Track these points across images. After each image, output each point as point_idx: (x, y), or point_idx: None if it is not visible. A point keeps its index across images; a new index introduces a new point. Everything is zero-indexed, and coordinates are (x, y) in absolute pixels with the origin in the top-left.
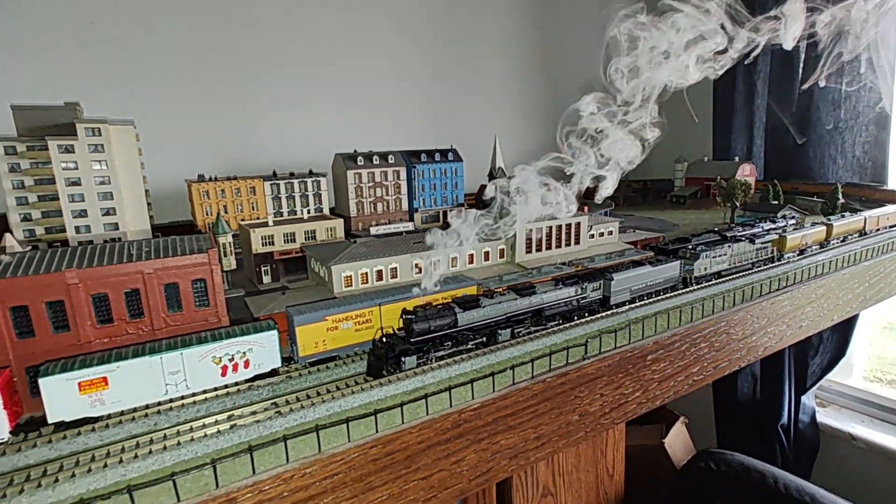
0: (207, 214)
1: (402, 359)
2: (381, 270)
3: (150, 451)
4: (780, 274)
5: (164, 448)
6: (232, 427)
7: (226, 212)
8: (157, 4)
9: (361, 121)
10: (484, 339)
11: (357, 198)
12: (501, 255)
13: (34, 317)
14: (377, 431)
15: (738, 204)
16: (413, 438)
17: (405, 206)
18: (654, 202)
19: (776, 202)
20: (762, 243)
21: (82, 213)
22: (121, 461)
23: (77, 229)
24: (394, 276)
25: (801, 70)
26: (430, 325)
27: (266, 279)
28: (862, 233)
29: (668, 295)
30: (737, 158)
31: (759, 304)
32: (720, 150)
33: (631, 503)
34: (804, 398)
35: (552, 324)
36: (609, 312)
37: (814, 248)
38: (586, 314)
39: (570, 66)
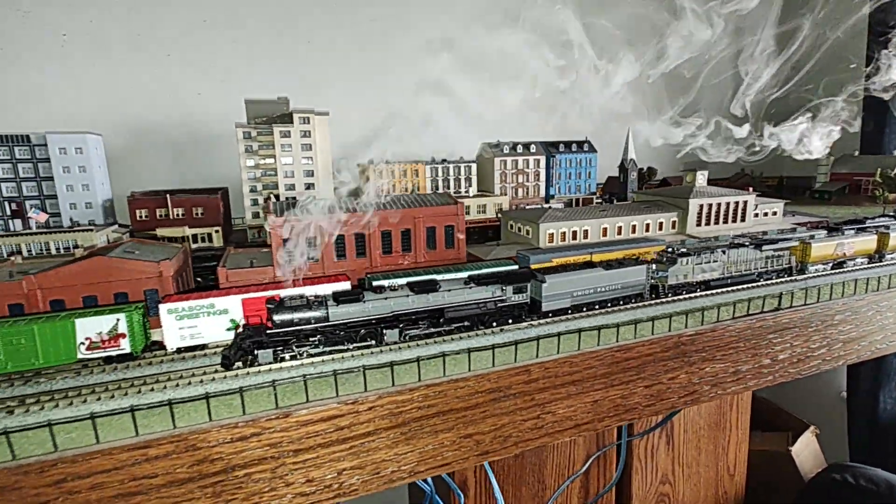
0: (380, 191)
1: (256, 351)
2: (575, 231)
3: None
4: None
5: None
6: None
7: (394, 189)
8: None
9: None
10: (371, 339)
11: (501, 183)
12: (673, 227)
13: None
14: (617, 340)
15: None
16: (644, 350)
17: (542, 192)
18: (792, 198)
19: None
20: (774, 250)
21: (291, 187)
22: None
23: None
24: (585, 237)
25: None
26: (293, 316)
27: None
28: None
29: (627, 307)
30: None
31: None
32: (870, 144)
33: None
34: None
35: (457, 326)
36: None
37: (859, 260)
38: (509, 321)
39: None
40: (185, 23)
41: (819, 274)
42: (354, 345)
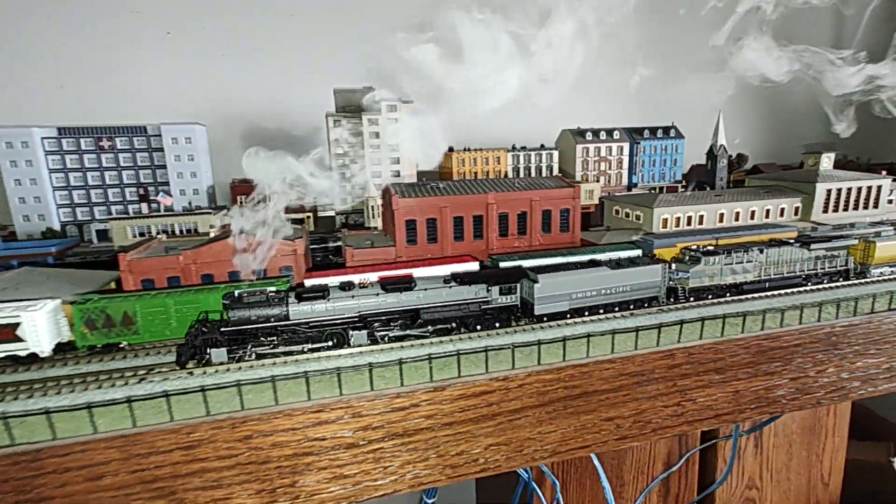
0: (462, 177)
1: (209, 350)
2: (690, 216)
3: None
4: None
5: None
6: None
7: (475, 177)
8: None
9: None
10: (332, 341)
11: (583, 170)
12: (796, 213)
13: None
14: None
15: None
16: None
17: (625, 180)
18: None
19: None
20: (826, 249)
21: (377, 174)
22: None
23: (375, 186)
24: (700, 223)
25: None
26: (250, 314)
27: None
28: None
29: (643, 311)
30: None
31: None
32: None
33: None
34: None
35: (435, 329)
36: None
37: None
38: (496, 324)
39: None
40: (275, 18)
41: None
42: (313, 344)
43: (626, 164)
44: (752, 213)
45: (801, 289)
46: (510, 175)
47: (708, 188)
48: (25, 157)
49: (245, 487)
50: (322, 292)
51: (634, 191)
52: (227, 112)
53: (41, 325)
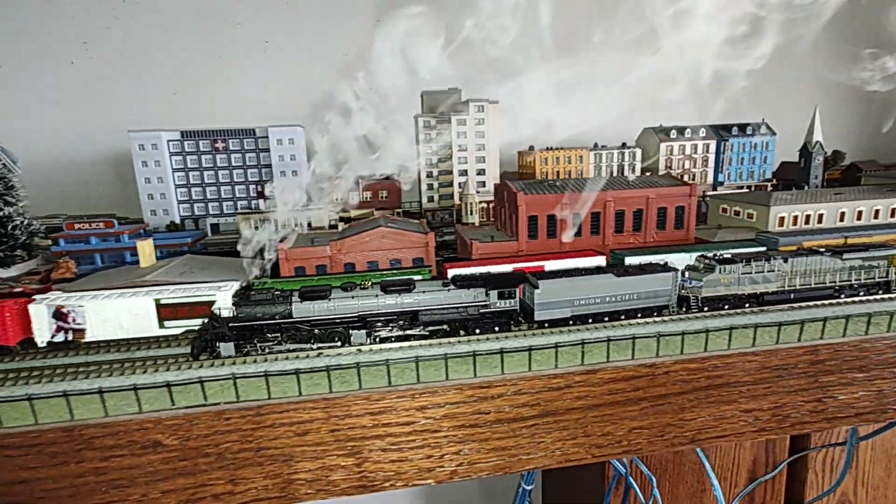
0: (544, 176)
1: (218, 344)
2: (809, 214)
3: None
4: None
5: None
6: None
7: (557, 176)
8: None
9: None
10: (337, 339)
11: (666, 169)
12: None
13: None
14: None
15: None
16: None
17: (710, 178)
18: None
19: None
20: (862, 259)
21: (463, 172)
22: None
23: (460, 185)
24: (819, 221)
25: None
26: (255, 311)
27: None
28: None
29: (650, 320)
30: None
31: None
32: None
33: None
34: None
35: (433, 330)
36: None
37: None
38: (496, 328)
39: None
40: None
41: None
42: (317, 342)
43: (711, 163)
44: (876, 211)
45: (835, 300)
46: (591, 174)
47: (794, 188)
48: (154, 158)
49: (417, 452)
50: (323, 292)
51: (720, 190)
52: (313, 114)
53: (229, 303)
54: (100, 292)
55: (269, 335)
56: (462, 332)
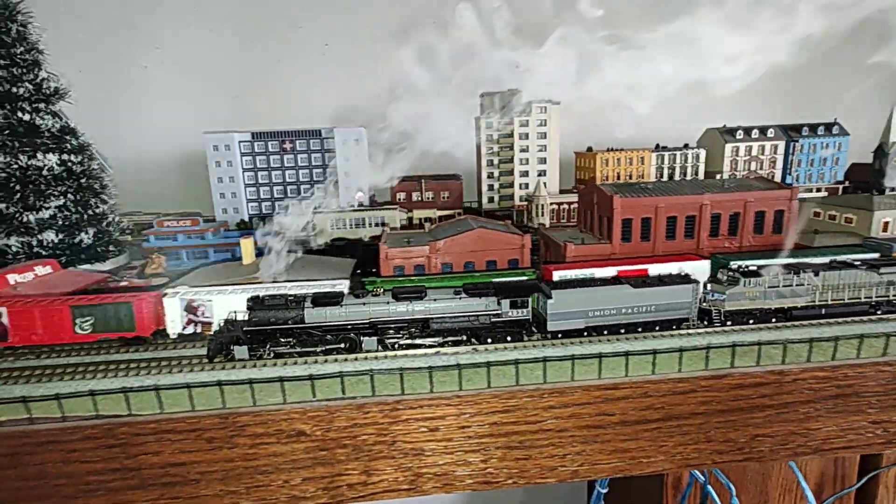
0: (604, 178)
1: (233, 347)
2: None
3: None
4: None
5: None
6: None
7: (618, 177)
8: None
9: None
10: (344, 344)
11: (731, 170)
12: None
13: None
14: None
15: None
16: None
17: (777, 179)
18: None
19: None
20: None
21: (524, 173)
22: None
23: (521, 186)
24: None
25: None
26: (269, 316)
27: None
28: None
29: (669, 333)
30: None
31: None
32: None
33: None
34: None
35: (450, 340)
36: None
37: None
38: (508, 338)
39: None
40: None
41: None
42: (326, 346)
43: (779, 164)
44: None
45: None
46: (653, 176)
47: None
48: (227, 159)
49: (542, 451)
50: (336, 298)
51: None
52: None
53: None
54: (223, 287)
55: (283, 340)
56: (474, 341)
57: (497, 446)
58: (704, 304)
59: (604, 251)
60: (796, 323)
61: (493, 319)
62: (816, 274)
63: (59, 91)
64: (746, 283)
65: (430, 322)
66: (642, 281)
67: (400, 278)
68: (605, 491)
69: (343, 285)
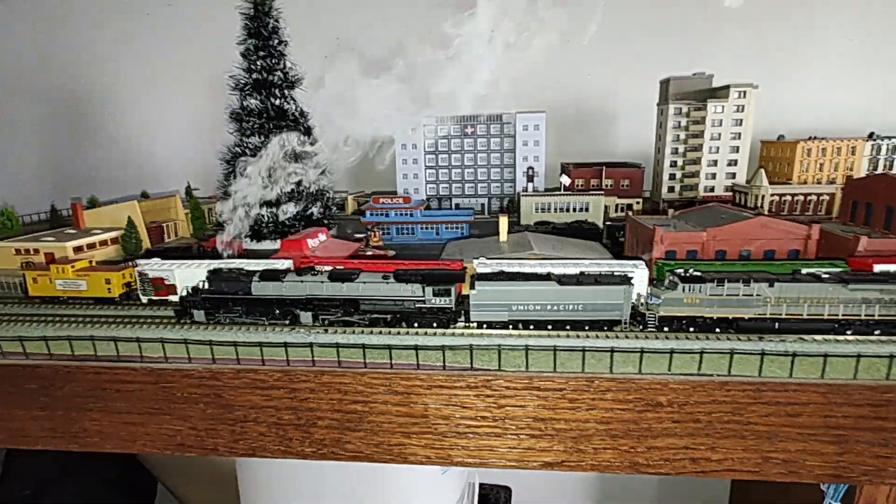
0: (804, 171)
1: (192, 310)
2: None
3: None
4: None
5: None
6: None
7: (820, 170)
8: None
9: None
10: (287, 318)
11: None
12: None
13: None
14: None
15: None
16: None
17: None
18: None
19: None
20: (871, 289)
21: (712, 163)
22: None
23: (707, 176)
24: None
25: None
26: (221, 286)
27: None
28: None
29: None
30: None
31: None
32: None
33: None
34: None
35: (375, 317)
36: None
37: None
38: (434, 324)
39: None
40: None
41: None
42: (270, 318)
43: None
44: None
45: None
46: (864, 170)
47: None
48: (412, 142)
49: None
50: (276, 274)
51: None
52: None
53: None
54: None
55: (234, 308)
56: (401, 324)
57: (866, 441)
58: (640, 307)
59: None
60: (741, 336)
61: (417, 305)
62: (771, 284)
63: (300, 79)
64: (686, 288)
65: (360, 302)
66: (575, 278)
67: (677, 262)
68: None
69: (642, 266)
